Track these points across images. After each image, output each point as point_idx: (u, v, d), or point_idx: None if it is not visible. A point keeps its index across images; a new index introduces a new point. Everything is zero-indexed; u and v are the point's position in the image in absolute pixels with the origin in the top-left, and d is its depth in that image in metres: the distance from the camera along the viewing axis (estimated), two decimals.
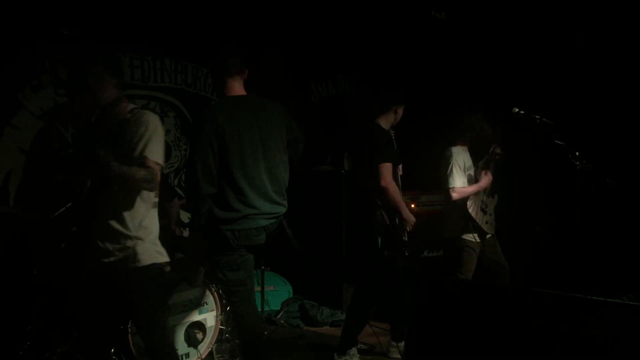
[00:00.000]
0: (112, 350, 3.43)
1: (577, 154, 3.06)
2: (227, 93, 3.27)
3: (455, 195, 4.24)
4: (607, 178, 3.04)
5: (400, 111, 4.12)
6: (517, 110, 3.34)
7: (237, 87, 3.27)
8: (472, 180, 4.39)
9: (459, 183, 4.24)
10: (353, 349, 4.10)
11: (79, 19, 4.44)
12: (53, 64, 4.48)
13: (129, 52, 4.93)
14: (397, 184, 4.06)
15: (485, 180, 4.31)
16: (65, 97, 4.54)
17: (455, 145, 4.38)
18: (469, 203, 4.28)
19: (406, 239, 4.06)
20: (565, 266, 4.58)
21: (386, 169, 3.87)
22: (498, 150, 4.41)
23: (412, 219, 3.99)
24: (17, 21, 4.21)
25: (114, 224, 2.70)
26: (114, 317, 2.95)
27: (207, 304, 3.97)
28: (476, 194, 4.33)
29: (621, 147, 4.67)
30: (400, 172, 4.19)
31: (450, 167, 4.26)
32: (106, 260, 2.71)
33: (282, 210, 3.32)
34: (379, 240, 4.05)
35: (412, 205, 5.28)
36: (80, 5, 4.41)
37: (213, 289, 3.99)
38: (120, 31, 4.72)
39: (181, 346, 3.76)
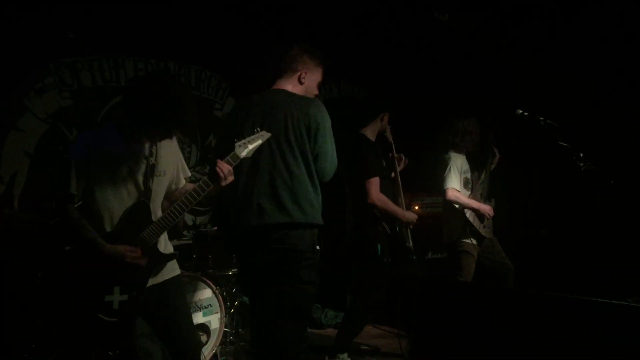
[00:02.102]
0: (116, 352, 3.42)
1: (582, 155, 3.05)
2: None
3: (450, 195, 4.30)
4: (611, 180, 3.02)
5: (387, 118, 4.13)
6: (521, 111, 3.34)
7: (279, 83, 3.09)
8: (469, 183, 4.42)
9: (455, 184, 4.32)
10: (345, 354, 4.08)
11: (83, 22, 4.45)
12: (58, 67, 4.50)
13: (133, 56, 4.94)
14: (398, 186, 4.07)
15: (486, 208, 4.35)
16: (69, 100, 4.56)
17: (452, 150, 4.45)
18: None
19: (411, 245, 4.04)
20: (570, 268, 4.57)
21: (372, 184, 3.88)
22: (495, 152, 4.51)
23: (411, 217, 4.02)
24: (22, 24, 4.22)
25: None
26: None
27: (211, 306, 3.98)
28: (474, 197, 4.39)
29: (626, 149, 4.66)
30: (395, 174, 4.19)
31: (448, 168, 4.35)
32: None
33: (286, 219, 2.88)
34: (379, 247, 4.03)
35: (416, 208, 5.29)
36: (84, 8, 4.43)
37: (217, 292, 3.99)
38: (125, 34, 4.73)
39: None
